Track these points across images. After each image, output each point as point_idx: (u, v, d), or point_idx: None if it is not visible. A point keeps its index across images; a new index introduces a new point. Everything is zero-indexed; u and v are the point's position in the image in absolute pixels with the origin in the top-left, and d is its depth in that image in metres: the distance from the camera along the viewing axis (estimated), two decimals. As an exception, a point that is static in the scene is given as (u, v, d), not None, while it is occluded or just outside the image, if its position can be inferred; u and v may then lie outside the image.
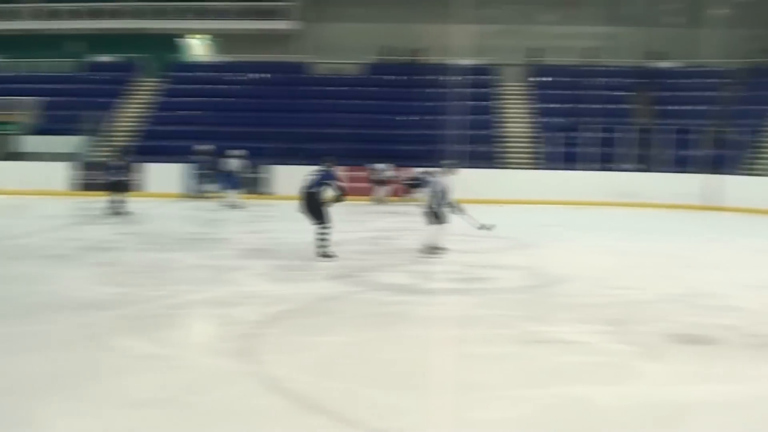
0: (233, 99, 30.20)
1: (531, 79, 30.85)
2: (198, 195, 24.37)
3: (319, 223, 12.76)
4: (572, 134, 26.94)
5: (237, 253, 13.52)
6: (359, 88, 30.89)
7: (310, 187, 12.64)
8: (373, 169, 24.71)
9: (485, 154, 26.57)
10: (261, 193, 24.73)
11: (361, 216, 19.96)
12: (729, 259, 14.10)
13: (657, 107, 29.23)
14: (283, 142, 25.13)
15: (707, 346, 8.10)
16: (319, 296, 10.08)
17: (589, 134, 26.40)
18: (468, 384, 6.53)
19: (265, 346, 7.61)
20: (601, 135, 26.43)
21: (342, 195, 12.87)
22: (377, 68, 31.80)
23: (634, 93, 30.14)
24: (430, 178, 13.88)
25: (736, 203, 22.51)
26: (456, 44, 30.25)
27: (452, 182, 13.69)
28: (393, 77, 31.42)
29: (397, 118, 28.88)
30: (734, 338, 8.35)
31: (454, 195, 13.61)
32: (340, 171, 14.68)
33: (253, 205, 22.36)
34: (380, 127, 28.11)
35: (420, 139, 26.39)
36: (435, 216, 13.40)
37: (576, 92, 29.51)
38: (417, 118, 28.52)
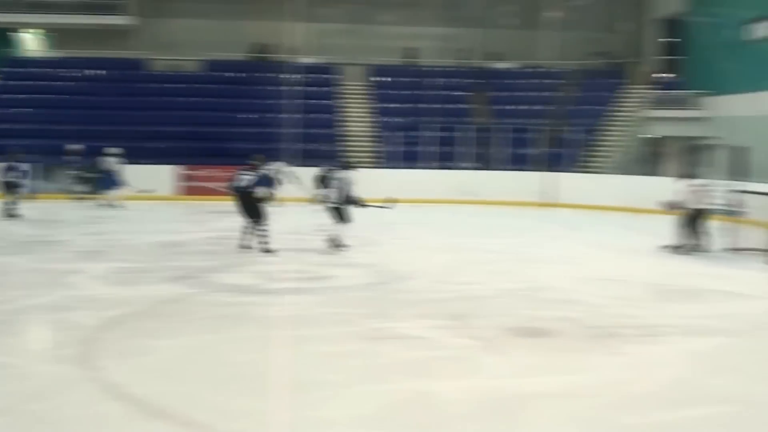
0: (68, 96, 28.81)
1: (372, 78, 30.88)
2: (75, 196, 23.00)
3: (256, 221, 13.09)
4: (412, 133, 27.19)
5: (74, 255, 13.09)
6: (197, 86, 30.08)
7: (246, 186, 13.02)
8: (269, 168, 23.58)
9: (327, 152, 26.37)
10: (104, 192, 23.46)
11: (203, 216, 19.50)
12: (566, 254, 14.46)
13: (494, 107, 29.88)
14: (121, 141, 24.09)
15: (547, 338, 8.27)
16: (160, 298, 9.77)
17: (428, 133, 26.71)
18: (312, 383, 6.44)
19: (105, 351, 7.32)
20: (440, 134, 26.78)
21: (272, 193, 13.41)
22: (216, 65, 31.08)
23: (473, 93, 30.68)
24: (335, 176, 14.17)
25: (572, 200, 23.14)
26: (296, 42, 29.97)
27: (354, 179, 14.11)
28: (233, 74, 30.83)
29: (237, 116, 28.30)
30: (572, 330, 8.58)
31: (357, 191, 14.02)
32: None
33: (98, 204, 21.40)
34: (219, 125, 27.51)
35: (259, 137, 25.85)
36: (339, 213, 13.71)
37: (415, 92, 29.80)
38: (256, 116, 28.03)
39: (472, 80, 31.27)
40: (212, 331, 8.21)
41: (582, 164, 26.47)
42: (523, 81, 31.25)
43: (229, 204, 13.64)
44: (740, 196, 15.85)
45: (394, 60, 31.63)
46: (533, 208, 23.27)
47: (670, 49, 31.05)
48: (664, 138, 27.62)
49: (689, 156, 27.83)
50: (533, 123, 27.47)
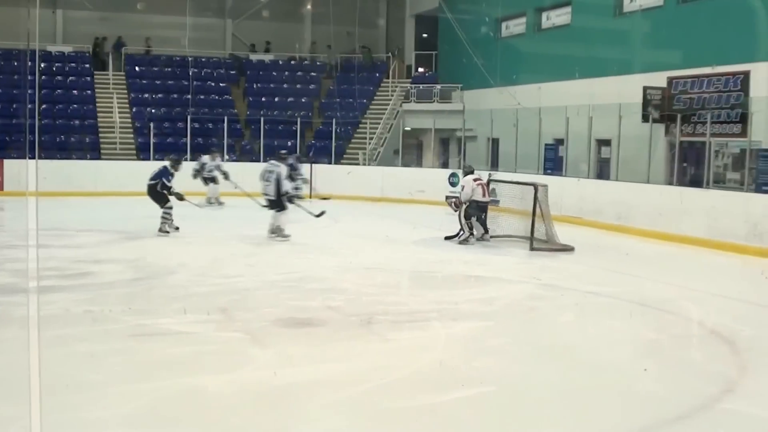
0: None
1: (129, 68, 29.76)
2: None
3: (162, 206, 14.77)
4: (166, 124, 26.81)
5: None
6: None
7: (151, 179, 14.94)
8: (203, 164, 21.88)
9: (83, 144, 25.25)
10: None
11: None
12: (329, 244, 14.57)
13: (255, 98, 29.73)
14: None
15: (312, 328, 8.35)
16: None
17: (181, 124, 26.30)
18: (75, 384, 6.17)
19: None
20: (197, 126, 26.39)
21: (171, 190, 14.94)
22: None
23: (233, 84, 30.36)
24: (275, 168, 14.65)
25: (334, 191, 23.32)
26: (45, 29, 28.41)
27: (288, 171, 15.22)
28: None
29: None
30: (337, 319, 8.73)
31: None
32: None
33: None
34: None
35: (7, 128, 24.26)
36: (279, 203, 14.42)
37: (174, 82, 29.17)
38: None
39: (232, 71, 30.99)
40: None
41: (345, 157, 26.94)
42: (284, 73, 31.30)
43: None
44: (496, 186, 16.66)
45: (147, 49, 30.73)
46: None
47: (427, 44, 32.23)
48: (422, 130, 28.62)
49: (446, 148, 29.13)
50: (294, 115, 27.61)
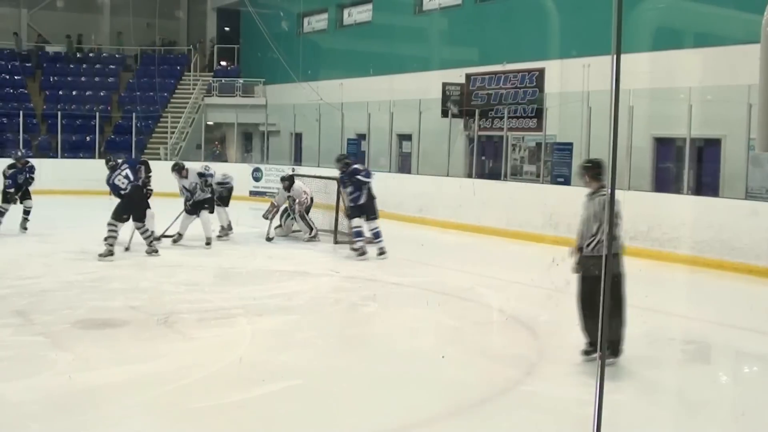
0: None
1: None
2: None
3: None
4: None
5: None
6: None
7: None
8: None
9: None
10: None
11: None
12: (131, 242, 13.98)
13: (52, 92, 28.36)
14: None
15: (115, 328, 8.05)
16: None
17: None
18: None
19: None
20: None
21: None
22: None
23: (29, 77, 28.83)
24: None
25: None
26: None
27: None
28: None
29: None
30: (140, 319, 8.45)
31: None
32: None
33: None
34: None
35: None
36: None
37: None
38: None
39: (26, 64, 29.42)
40: None
41: (146, 151, 26.12)
42: (82, 66, 29.98)
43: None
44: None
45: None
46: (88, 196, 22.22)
47: (228, 38, 31.80)
48: (223, 125, 28.23)
49: (248, 142, 28.86)
50: (92, 109, 26.52)
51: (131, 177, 12.63)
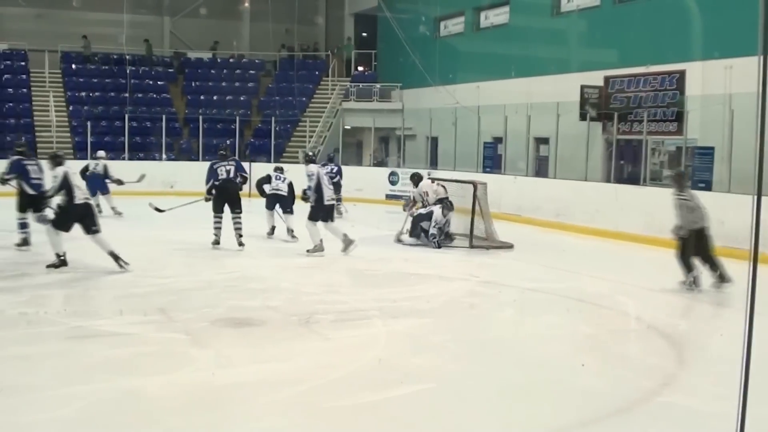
0: None
1: (65, 65, 29.22)
2: None
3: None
4: (104, 123, 26.45)
5: None
6: None
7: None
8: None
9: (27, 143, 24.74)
10: None
11: None
12: (268, 243, 14.55)
13: (193, 96, 29.43)
14: None
15: (252, 327, 8.27)
16: None
17: (118, 123, 26.02)
18: (10, 387, 5.97)
19: None
20: (135, 124, 26.16)
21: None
22: None
23: (171, 82, 30.00)
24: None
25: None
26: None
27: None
28: None
29: None
30: (277, 318, 8.65)
31: None
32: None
33: None
34: None
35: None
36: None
37: (113, 80, 28.72)
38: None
39: (172, 70, 30.62)
40: None
41: (285, 155, 26.79)
42: (223, 71, 31.03)
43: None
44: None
45: (82, 47, 30.05)
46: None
47: (366, 43, 32.23)
48: (361, 129, 28.61)
49: (386, 146, 29.14)
50: (232, 113, 27.38)
51: (232, 173, 13.49)
